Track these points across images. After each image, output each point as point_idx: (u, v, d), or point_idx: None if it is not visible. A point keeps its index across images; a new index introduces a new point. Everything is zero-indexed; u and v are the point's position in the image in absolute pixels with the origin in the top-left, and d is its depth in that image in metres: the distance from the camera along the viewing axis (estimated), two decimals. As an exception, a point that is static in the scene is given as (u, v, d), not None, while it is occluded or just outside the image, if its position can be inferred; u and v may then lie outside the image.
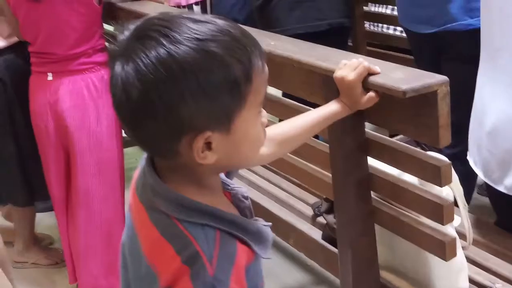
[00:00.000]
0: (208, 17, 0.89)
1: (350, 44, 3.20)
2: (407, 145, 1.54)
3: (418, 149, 1.53)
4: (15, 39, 2.60)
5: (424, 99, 1.38)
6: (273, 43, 1.72)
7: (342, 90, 1.41)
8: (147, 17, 0.90)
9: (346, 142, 1.58)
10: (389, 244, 1.75)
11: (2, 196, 2.80)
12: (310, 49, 1.67)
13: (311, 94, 1.66)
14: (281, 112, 1.84)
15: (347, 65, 1.41)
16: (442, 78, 1.37)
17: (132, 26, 0.89)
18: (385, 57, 3.22)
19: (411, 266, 1.74)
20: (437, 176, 1.45)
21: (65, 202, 2.55)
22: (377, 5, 3.31)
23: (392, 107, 1.47)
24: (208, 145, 0.88)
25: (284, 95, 2.22)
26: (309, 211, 2.18)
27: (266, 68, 0.92)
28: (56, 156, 2.49)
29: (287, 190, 2.35)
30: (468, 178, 2.18)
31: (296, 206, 2.23)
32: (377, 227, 1.69)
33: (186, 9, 3.60)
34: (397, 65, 1.48)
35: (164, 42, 0.84)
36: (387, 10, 3.31)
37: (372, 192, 1.66)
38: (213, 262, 0.87)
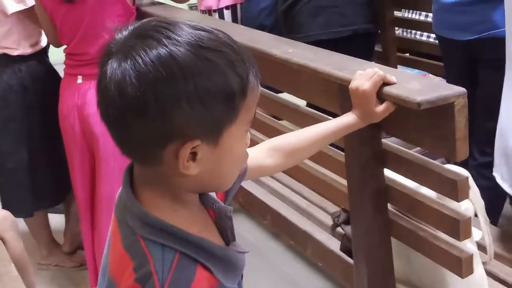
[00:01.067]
0: (208, 27, 0.87)
1: (379, 50, 3.15)
2: (424, 157, 1.50)
3: (436, 161, 1.49)
4: (40, 47, 2.63)
5: (440, 111, 1.34)
6: (291, 50, 1.70)
7: (356, 101, 1.37)
8: (147, 19, 0.89)
9: (363, 152, 1.55)
10: (407, 257, 1.71)
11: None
12: (327, 57, 1.63)
13: (327, 103, 1.63)
14: (301, 121, 1.81)
15: (362, 75, 1.37)
16: (460, 89, 1.33)
17: (130, 26, 0.87)
18: (415, 64, 3.19)
19: (429, 281, 1.70)
20: (454, 190, 1.40)
21: (89, 206, 2.56)
22: (409, 11, 3.26)
23: (408, 118, 1.43)
24: (193, 156, 0.85)
25: (308, 105, 2.19)
26: (329, 221, 2.14)
27: (260, 89, 0.90)
28: (82, 159, 2.51)
29: (309, 199, 2.32)
30: (500, 187, 2.12)
31: (316, 215, 2.19)
32: (394, 240, 1.66)
33: (217, 14, 3.59)
34: (415, 74, 1.45)
35: (166, 43, 0.82)
36: (420, 16, 3.25)
37: (389, 204, 1.63)
38: (165, 285, 0.83)
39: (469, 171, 1.53)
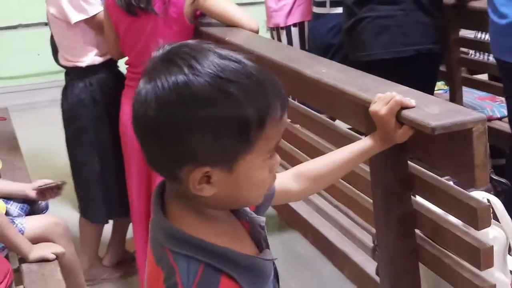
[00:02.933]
0: (239, 56, 0.90)
1: (443, 70, 3.09)
2: (448, 182, 1.47)
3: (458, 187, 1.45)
4: (109, 56, 2.74)
5: (459, 137, 1.31)
6: (324, 70, 1.71)
7: (376, 124, 1.37)
8: (182, 42, 0.93)
9: (387, 176, 1.53)
10: (437, 285, 1.67)
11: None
12: (358, 78, 1.63)
13: (356, 123, 1.62)
14: (336, 140, 1.81)
15: (380, 99, 1.37)
16: (479, 116, 1.30)
17: (167, 47, 0.92)
18: (479, 85, 3.10)
19: (458, 310, 1.64)
20: (474, 218, 1.36)
21: (144, 215, 2.64)
22: (477, 31, 3.18)
23: (431, 143, 1.41)
24: (207, 178, 0.89)
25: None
26: (371, 242, 2.12)
27: (285, 118, 0.92)
28: (139, 168, 2.59)
29: (353, 219, 2.29)
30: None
31: (359, 236, 2.17)
32: (425, 266, 1.62)
33: (285, 31, 3.62)
34: (438, 99, 1.42)
35: (186, 71, 0.86)
36: (486, 35, 3.16)
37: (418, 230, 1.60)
38: None
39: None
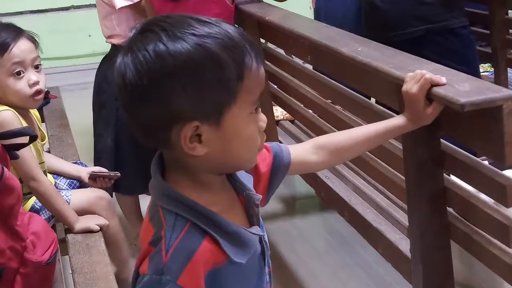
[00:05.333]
0: (215, 19, 0.95)
1: (488, 51, 3.05)
2: (479, 160, 1.48)
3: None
4: None
5: (489, 114, 1.32)
6: (360, 48, 1.73)
7: (406, 103, 1.38)
8: (160, 15, 0.98)
9: (419, 153, 1.55)
10: (469, 262, 1.68)
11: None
12: (392, 56, 1.64)
13: (390, 101, 1.64)
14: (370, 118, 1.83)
15: (411, 77, 1.38)
16: (509, 93, 1.30)
17: (141, 23, 0.96)
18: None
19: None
20: (502, 195, 1.38)
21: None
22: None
23: (462, 120, 1.42)
24: (198, 137, 0.93)
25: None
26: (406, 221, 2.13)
27: (262, 70, 0.96)
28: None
29: (391, 198, 2.31)
30: None
31: (394, 215, 2.19)
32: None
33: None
34: (470, 76, 1.42)
35: (163, 36, 0.91)
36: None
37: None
38: (170, 250, 0.91)
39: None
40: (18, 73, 2.04)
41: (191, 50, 0.89)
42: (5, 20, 2.20)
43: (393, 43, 1.81)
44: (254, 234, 1.01)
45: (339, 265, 2.89)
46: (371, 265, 2.83)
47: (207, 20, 0.93)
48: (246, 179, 1.07)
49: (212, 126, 0.93)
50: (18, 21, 2.19)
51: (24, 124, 2.04)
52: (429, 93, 1.36)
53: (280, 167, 1.17)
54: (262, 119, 0.98)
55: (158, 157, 1.01)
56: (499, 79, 3.03)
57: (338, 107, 2.22)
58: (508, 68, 3.05)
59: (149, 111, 0.92)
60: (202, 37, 0.90)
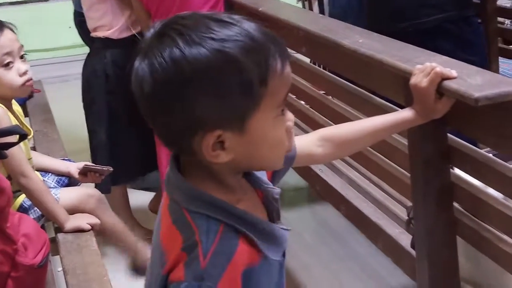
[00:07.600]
0: (236, 18, 0.88)
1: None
2: (490, 155, 1.44)
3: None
4: (127, 33, 2.72)
5: (502, 108, 1.28)
6: (361, 40, 1.68)
7: (415, 97, 1.34)
8: (176, 15, 0.91)
9: (426, 148, 1.51)
10: (475, 258, 1.65)
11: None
12: (396, 48, 1.60)
13: (395, 95, 1.60)
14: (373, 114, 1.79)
15: (420, 70, 1.33)
16: (524, 86, 1.27)
17: (158, 24, 0.90)
18: (517, 56, 3.03)
19: (496, 284, 1.63)
20: (515, 191, 1.34)
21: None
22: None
23: (472, 114, 1.38)
24: (221, 144, 0.88)
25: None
26: (405, 215, 2.10)
27: (288, 69, 0.90)
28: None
29: (387, 191, 2.27)
30: None
31: (392, 209, 2.15)
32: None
33: (317, 0, 3.58)
34: (480, 69, 1.38)
35: (180, 42, 0.85)
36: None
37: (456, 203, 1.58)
38: (208, 255, 0.87)
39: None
40: (7, 64, 2.01)
41: (209, 56, 0.84)
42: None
43: (400, 34, 1.76)
44: (285, 229, 0.98)
45: (330, 257, 2.85)
46: (363, 257, 2.80)
47: (227, 19, 0.87)
48: (260, 172, 1.03)
49: (235, 133, 0.88)
50: (-4, 13, 2.14)
51: (13, 119, 1.98)
52: (440, 87, 1.31)
53: (285, 161, 1.13)
54: (290, 118, 0.93)
55: (174, 158, 0.96)
56: (490, 68, 3.00)
57: (330, 97, 2.17)
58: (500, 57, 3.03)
59: (168, 120, 0.88)
60: (221, 41, 0.84)
